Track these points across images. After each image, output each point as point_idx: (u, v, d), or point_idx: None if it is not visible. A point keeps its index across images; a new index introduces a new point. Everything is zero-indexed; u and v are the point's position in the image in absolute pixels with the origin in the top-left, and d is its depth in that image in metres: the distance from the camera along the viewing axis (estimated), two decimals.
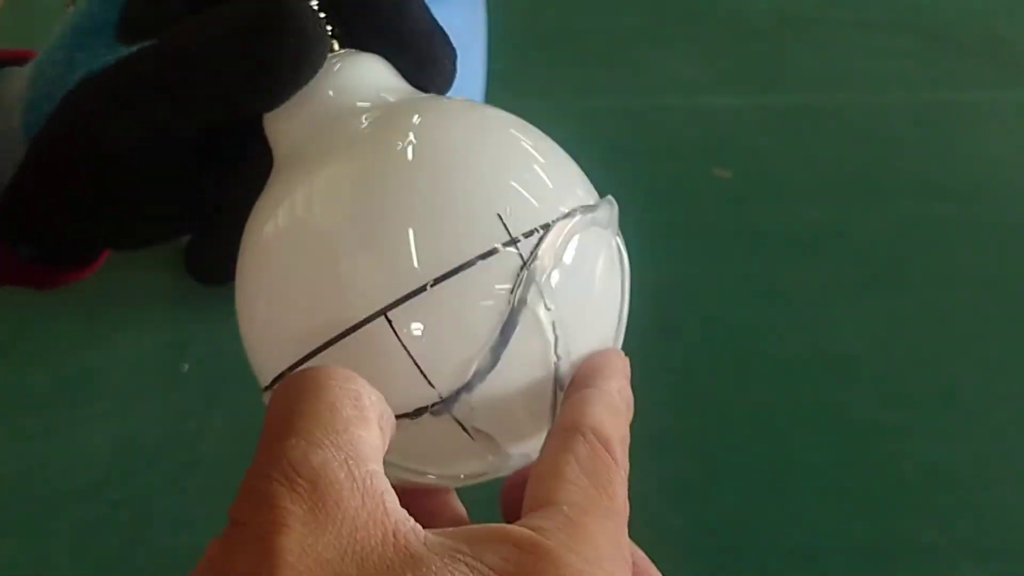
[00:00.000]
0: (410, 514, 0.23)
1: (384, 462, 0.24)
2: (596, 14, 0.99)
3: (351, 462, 0.21)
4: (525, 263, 0.25)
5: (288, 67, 0.27)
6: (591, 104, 0.88)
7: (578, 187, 0.28)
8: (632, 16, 1.00)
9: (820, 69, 0.97)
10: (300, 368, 0.23)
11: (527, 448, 0.27)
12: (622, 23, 0.98)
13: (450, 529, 0.21)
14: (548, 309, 0.25)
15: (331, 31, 0.28)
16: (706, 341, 0.71)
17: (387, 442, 0.24)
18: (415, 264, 0.24)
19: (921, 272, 0.77)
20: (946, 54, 0.99)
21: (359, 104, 0.27)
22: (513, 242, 0.25)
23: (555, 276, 0.25)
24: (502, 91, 0.80)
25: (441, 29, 0.29)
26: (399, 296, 0.24)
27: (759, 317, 0.73)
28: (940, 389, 0.69)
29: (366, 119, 0.27)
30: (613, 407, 0.25)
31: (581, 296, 0.26)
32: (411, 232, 0.24)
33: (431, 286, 0.24)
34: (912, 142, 0.89)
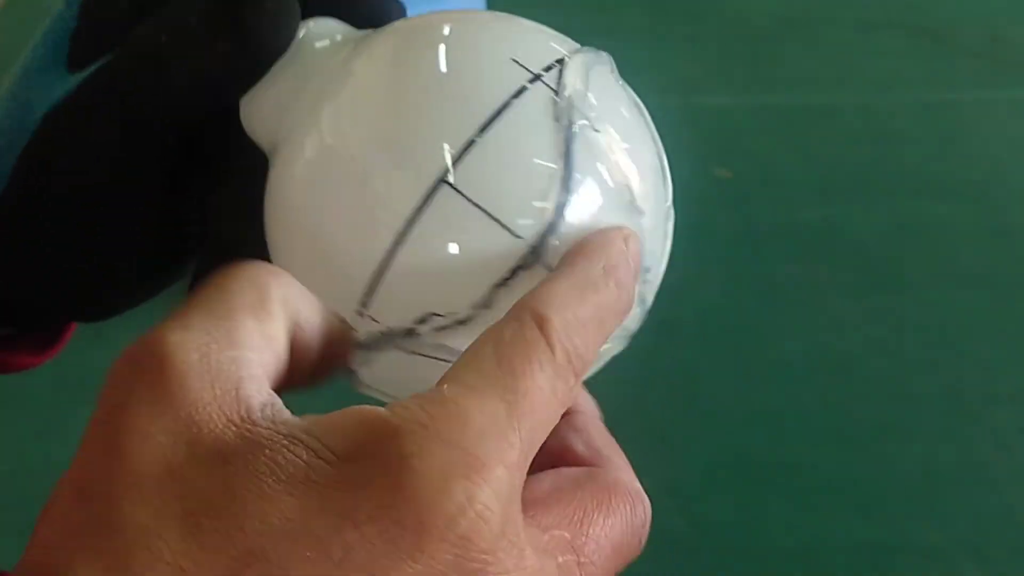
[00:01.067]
0: None
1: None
2: (596, 13, 0.98)
3: (215, 345, 0.20)
4: (556, 92, 0.24)
5: (268, 32, 0.26)
6: None
7: (570, 40, 0.28)
8: (632, 15, 1.00)
9: (820, 69, 0.97)
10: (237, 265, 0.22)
11: None
12: (622, 22, 0.98)
13: (329, 415, 0.20)
14: (597, 131, 0.24)
15: None
16: (706, 341, 0.71)
17: (291, 337, 0.22)
18: (458, 127, 0.24)
19: (921, 272, 0.77)
20: (946, 54, 0.98)
21: (337, 39, 0.27)
22: (537, 77, 0.24)
23: (591, 99, 0.25)
24: None
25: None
26: (450, 159, 0.23)
27: (759, 317, 0.73)
28: (940, 389, 0.69)
29: (351, 50, 0.27)
30: (580, 285, 0.22)
31: (620, 122, 0.26)
32: (440, 102, 0.24)
33: (478, 136, 0.23)
34: (912, 142, 0.89)
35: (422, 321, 0.24)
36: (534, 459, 0.20)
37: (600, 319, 0.22)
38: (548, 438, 0.20)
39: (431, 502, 0.18)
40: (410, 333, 0.24)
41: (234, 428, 0.19)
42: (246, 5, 0.26)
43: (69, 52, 0.29)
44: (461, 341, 0.23)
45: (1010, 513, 0.62)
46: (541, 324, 0.20)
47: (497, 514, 0.18)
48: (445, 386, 0.19)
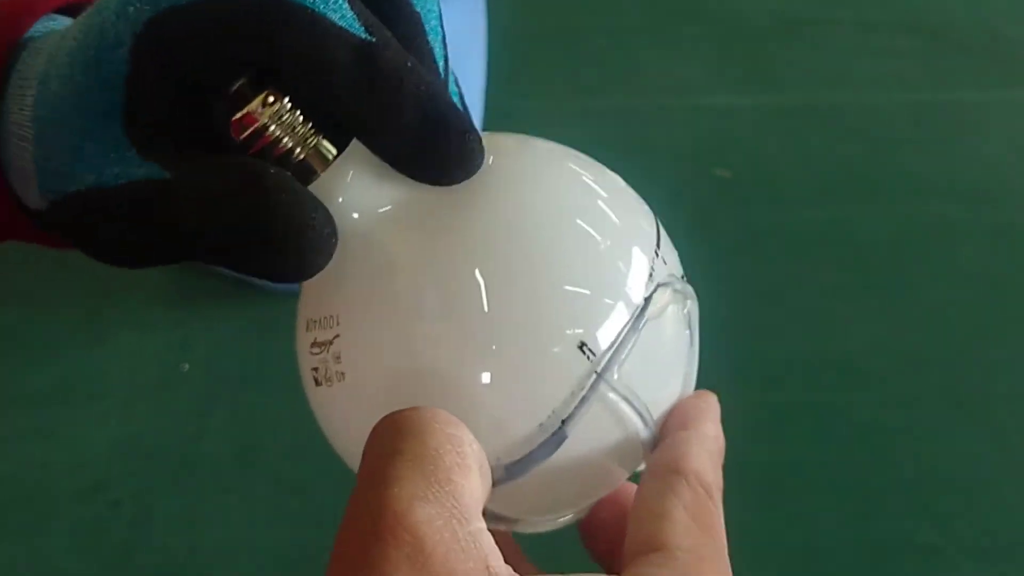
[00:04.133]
0: None
1: None
2: (596, 13, 0.98)
3: (456, 520, 0.20)
4: (599, 374, 0.25)
5: (293, 269, 0.25)
6: (591, 104, 0.88)
7: (643, 225, 0.28)
8: (632, 16, 1.00)
9: (820, 69, 0.97)
10: (400, 409, 0.22)
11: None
12: (622, 22, 0.98)
13: None
14: (627, 403, 0.26)
15: (314, 135, 0.26)
16: (706, 341, 0.71)
17: (487, 492, 0.23)
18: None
19: (921, 272, 0.77)
20: (946, 54, 0.98)
21: (380, 211, 0.26)
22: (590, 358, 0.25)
23: (627, 364, 0.26)
24: (502, 91, 0.80)
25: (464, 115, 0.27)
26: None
27: (759, 317, 0.73)
28: (940, 389, 0.69)
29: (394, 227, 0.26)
30: (711, 451, 0.26)
31: (652, 367, 0.27)
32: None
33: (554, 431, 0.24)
34: (912, 142, 0.89)
35: None
36: None
37: (721, 482, 0.27)
38: None
39: None
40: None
41: None
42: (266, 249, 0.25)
43: (123, 110, 0.28)
44: None
45: (1010, 513, 0.62)
46: (708, 491, 0.25)
47: None
48: (678, 552, 0.22)
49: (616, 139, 0.89)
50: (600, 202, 0.27)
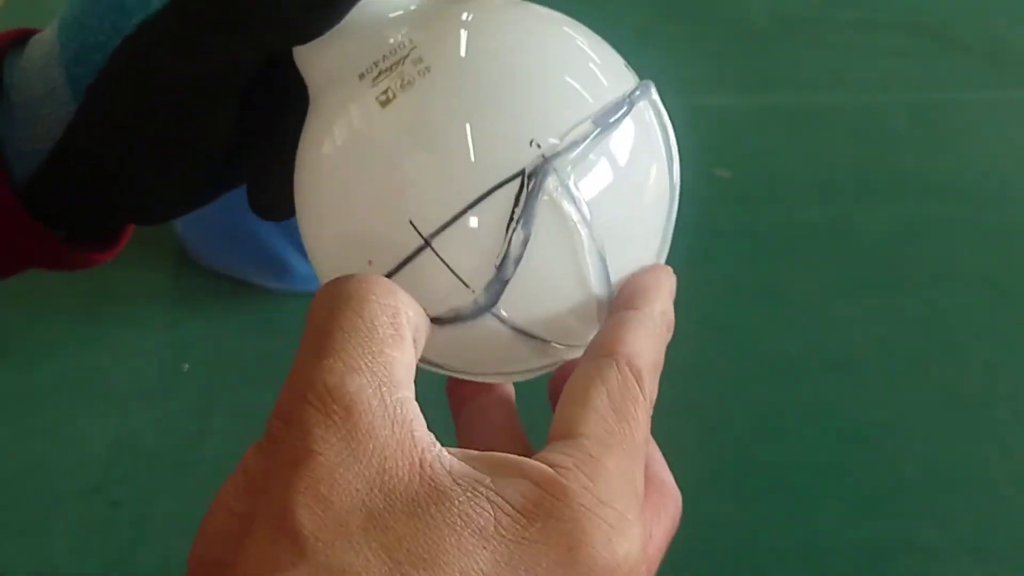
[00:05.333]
0: (461, 411, 0.25)
1: (432, 363, 0.25)
2: (595, 14, 0.98)
3: (384, 388, 0.21)
4: (547, 158, 0.25)
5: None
6: None
7: (620, 72, 0.28)
8: (632, 16, 1.00)
9: (820, 69, 0.97)
10: (343, 276, 0.24)
11: (582, 345, 0.27)
12: (622, 23, 0.98)
13: (474, 453, 0.22)
14: (576, 206, 0.25)
15: None
16: (706, 341, 0.71)
17: (419, 353, 0.24)
18: (471, 164, 0.25)
19: (921, 272, 0.77)
20: (946, 54, 0.99)
21: (391, 16, 0.28)
22: (540, 150, 0.25)
23: (584, 173, 0.25)
24: None
25: None
26: (444, 221, 0.24)
27: (759, 317, 0.73)
28: (940, 389, 0.69)
29: (404, 31, 0.27)
30: (653, 332, 0.25)
31: (617, 197, 0.26)
32: (468, 134, 0.25)
33: (460, 215, 0.24)
34: (912, 142, 0.89)
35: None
36: None
37: (661, 362, 0.25)
38: None
39: (599, 559, 0.21)
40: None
41: (417, 475, 0.21)
42: None
43: None
44: None
45: (1010, 513, 0.62)
46: (638, 377, 0.24)
47: (641, 561, 0.22)
48: (585, 441, 0.22)
49: None
50: (585, 61, 0.28)
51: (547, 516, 0.21)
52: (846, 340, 0.72)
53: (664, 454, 0.29)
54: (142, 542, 0.60)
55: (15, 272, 0.34)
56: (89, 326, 0.72)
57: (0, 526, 0.62)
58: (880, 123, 0.91)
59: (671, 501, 0.27)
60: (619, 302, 0.26)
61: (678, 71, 0.92)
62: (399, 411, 0.21)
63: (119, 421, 0.67)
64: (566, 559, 0.21)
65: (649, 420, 0.24)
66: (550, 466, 0.22)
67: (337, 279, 0.23)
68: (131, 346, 0.71)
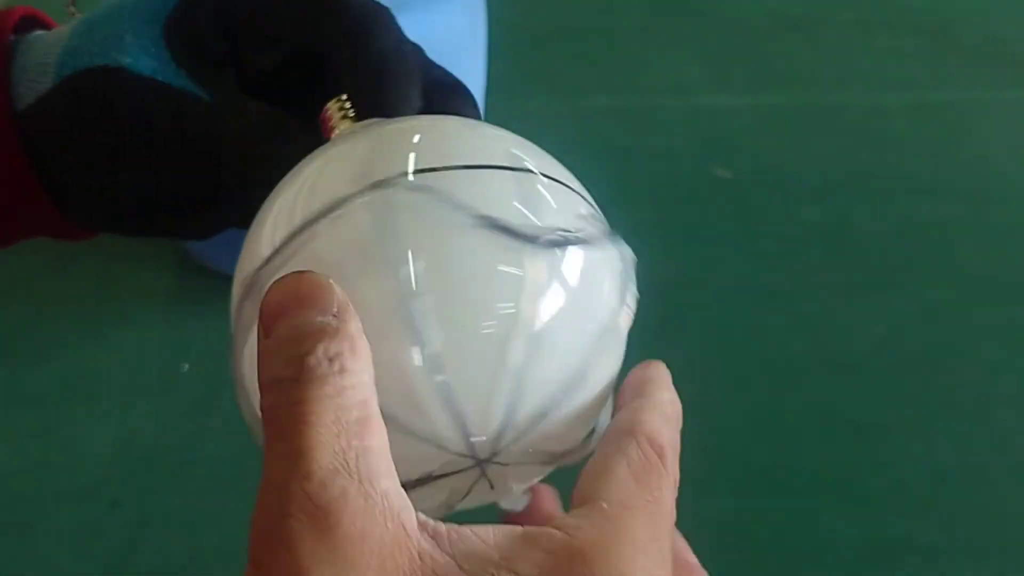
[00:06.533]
0: None
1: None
2: (595, 13, 0.98)
3: (368, 484, 0.20)
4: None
5: None
6: (591, 104, 0.88)
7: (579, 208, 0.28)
8: (632, 16, 1.00)
9: (820, 69, 0.97)
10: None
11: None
12: (621, 22, 0.98)
13: (479, 529, 0.21)
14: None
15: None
16: (706, 341, 0.71)
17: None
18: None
19: (921, 272, 0.77)
20: (946, 54, 0.98)
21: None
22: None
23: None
24: (502, 91, 0.80)
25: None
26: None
27: (759, 317, 0.73)
28: (940, 389, 0.69)
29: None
30: (666, 416, 0.26)
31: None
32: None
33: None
34: (912, 142, 0.89)
35: None
36: None
37: (678, 447, 0.26)
38: None
39: None
40: None
41: (419, 570, 0.20)
42: None
43: (165, 23, 0.31)
44: None
45: (1010, 513, 0.62)
46: (660, 453, 0.24)
47: None
48: (603, 504, 0.22)
49: (616, 139, 0.90)
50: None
51: None
52: (846, 340, 0.72)
53: None
54: (142, 542, 0.60)
55: (21, 239, 0.34)
56: (89, 326, 0.72)
57: (0, 526, 0.62)
58: (880, 123, 0.91)
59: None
60: (626, 395, 0.27)
61: (678, 71, 0.92)
62: (387, 505, 0.20)
63: (119, 421, 0.67)
64: None
65: (674, 497, 0.24)
66: (563, 530, 0.21)
67: (295, 354, 0.22)
68: (131, 346, 0.71)
